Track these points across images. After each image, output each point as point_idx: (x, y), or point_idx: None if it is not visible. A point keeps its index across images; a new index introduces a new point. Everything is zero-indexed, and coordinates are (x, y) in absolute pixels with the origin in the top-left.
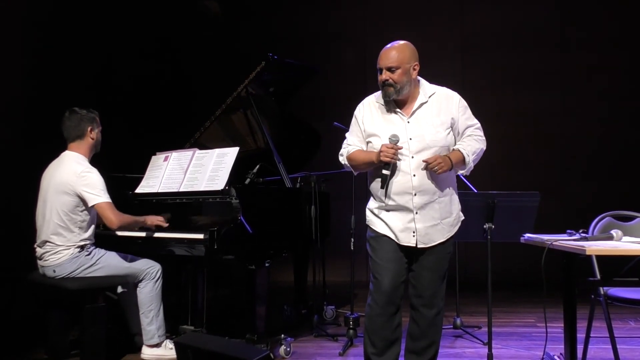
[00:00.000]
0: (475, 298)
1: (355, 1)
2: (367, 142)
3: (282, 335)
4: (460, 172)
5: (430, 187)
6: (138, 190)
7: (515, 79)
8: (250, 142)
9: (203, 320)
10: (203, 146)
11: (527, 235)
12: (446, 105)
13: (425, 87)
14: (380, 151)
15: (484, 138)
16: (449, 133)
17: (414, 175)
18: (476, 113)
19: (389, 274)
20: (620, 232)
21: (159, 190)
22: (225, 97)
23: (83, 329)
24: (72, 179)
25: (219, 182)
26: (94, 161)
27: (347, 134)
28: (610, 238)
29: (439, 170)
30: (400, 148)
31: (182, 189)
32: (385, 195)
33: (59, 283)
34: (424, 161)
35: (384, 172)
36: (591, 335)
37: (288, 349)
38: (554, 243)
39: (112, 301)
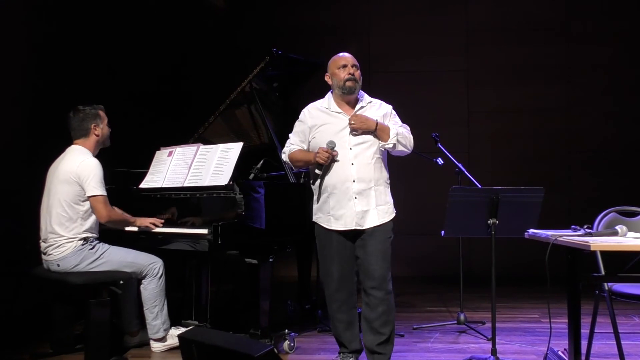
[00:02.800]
0: (479, 294)
1: None
2: (312, 139)
3: (286, 330)
4: (382, 143)
5: (367, 176)
6: (142, 185)
7: (519, 73)
8: (254, 137)
9: (207, 315)
10: (207, 141)
11: (531, 230)
12: (380, 111)
13: (365, 96)
14: (317, 153)
15: (411, 137)
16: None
17: (352, 164)
18: (480, 107)
19: (335, 265)
20: (625, 228)
21: (163, 185)
22: (228, 91)
23: (87, 323)
24: (73, 168)
25: (223, 177)
26: (100, 156)
27: (290, 135)
28: (615, 234)
29: (355, 125)
30: (335, 154)
31: (186, 184)
32: (320, 190)
33: (63, 277)
34: (353, 115)
35: (317, 171)
36: (595, 330)
37: (292, 344)
38: (558, 239)
39: (116, 295)
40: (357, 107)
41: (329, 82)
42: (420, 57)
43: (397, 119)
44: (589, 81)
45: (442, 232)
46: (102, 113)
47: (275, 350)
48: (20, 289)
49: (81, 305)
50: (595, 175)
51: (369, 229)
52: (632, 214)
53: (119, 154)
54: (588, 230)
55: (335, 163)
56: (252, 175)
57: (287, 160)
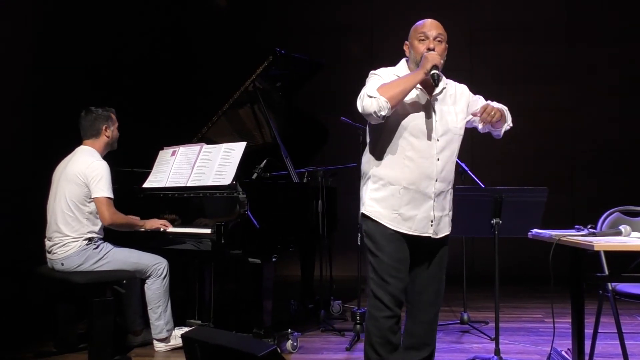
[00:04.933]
0: (482, 293)
1: None
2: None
3: (289, 330)
4: (503, 127)
5: (448, 175)
6: (145, 184)
7: (523, 74)
8: (257, 137)
9: (210, 315)
10: (210, 141)
11: (535, 230)
12: (460, 94)
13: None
14: (426, 59)
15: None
16: (464, 123)
17: (438, 160)
18: None
19: (400, 274)
20: (628, 228)
21: (167, 185)
22: (232, 91)
23: (91, 323)
24: (82, 168)
25: (226, 177)
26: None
27: (365, 87)
28: (619, 234)
29: (495, 117)
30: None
31: (189, 184)
32: (389, 177)
33: (67, 277)
34: (481, 108)
35: (435, 72)
36: (599, 330)
37: (295, 344)
38: (561, 239)
39: (120, 295)
40: (439, 88)
41: (407, 53)
42: None
43: (478, 96)
44: (593, 81)
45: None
46: (113, 116)
47: (279, 349)
48: (24, 287)
49: (85, 304)
50: (599, 175)
51: (440, 238)
52: (636, 214)
53: (123, 153)
54: (592, 230)
55: (419, 155)
56: (255, 175)
57: (379, 96)
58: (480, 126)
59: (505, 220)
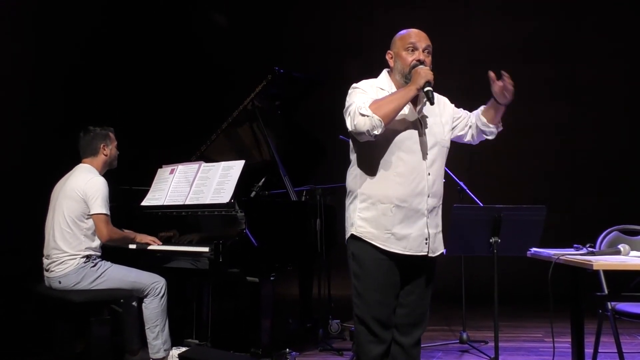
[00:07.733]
0: (481, 312)
1: (363, 15)
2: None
3: (287, 350)
4: (499, 123)
5: (439, 190)
6: (144, 202)
7: (523, 92)
8: (256, 155)
9: (208, 334)
10: (209, 159)
11: (534, 249)
12: (444, 105)
13: None
14: (418, 74)
15: None
16: (450, 135)
17: (429, 175)
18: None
19: (388, 299)
20: (627, 247)
21: (165, 203)
22: (231, 110)
23: (88, 342)
24: (81, 185)
25: (224, 195)
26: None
27: (352, 101)
28: (618, 253)
29: (509, 91)
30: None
31: (187, 202)
32: (377, 195)
33: (64, 295)
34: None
35: (428, 88)
36: (599, 350)
37: None
38: (560, 258)
39: (117, 314)
40: (422, 100)
41: (390, 63)
42: None
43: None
44: (592, 99)
45: (444, 251)
46: (112, 135)
47: None
48: (21, 306)
49: (82, 323)
50: (598, 194)
51: (435, 257)
52: (635, 233)
53: (121, 171)
54: (590, 249)
55: (410, 170)
56: (253, 193)
57: (373, 113)
58: (479, 123)
59: (504, 239)
